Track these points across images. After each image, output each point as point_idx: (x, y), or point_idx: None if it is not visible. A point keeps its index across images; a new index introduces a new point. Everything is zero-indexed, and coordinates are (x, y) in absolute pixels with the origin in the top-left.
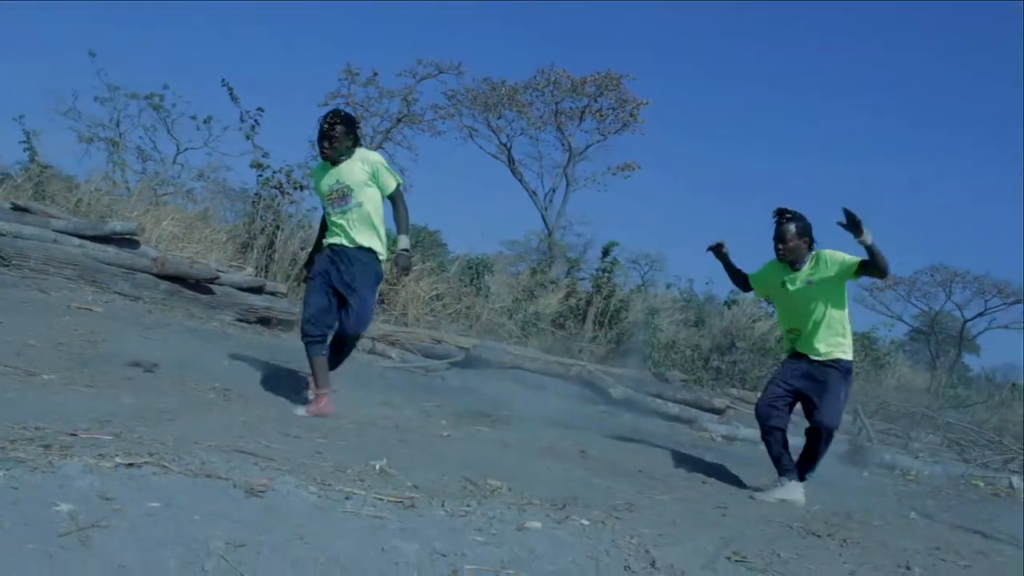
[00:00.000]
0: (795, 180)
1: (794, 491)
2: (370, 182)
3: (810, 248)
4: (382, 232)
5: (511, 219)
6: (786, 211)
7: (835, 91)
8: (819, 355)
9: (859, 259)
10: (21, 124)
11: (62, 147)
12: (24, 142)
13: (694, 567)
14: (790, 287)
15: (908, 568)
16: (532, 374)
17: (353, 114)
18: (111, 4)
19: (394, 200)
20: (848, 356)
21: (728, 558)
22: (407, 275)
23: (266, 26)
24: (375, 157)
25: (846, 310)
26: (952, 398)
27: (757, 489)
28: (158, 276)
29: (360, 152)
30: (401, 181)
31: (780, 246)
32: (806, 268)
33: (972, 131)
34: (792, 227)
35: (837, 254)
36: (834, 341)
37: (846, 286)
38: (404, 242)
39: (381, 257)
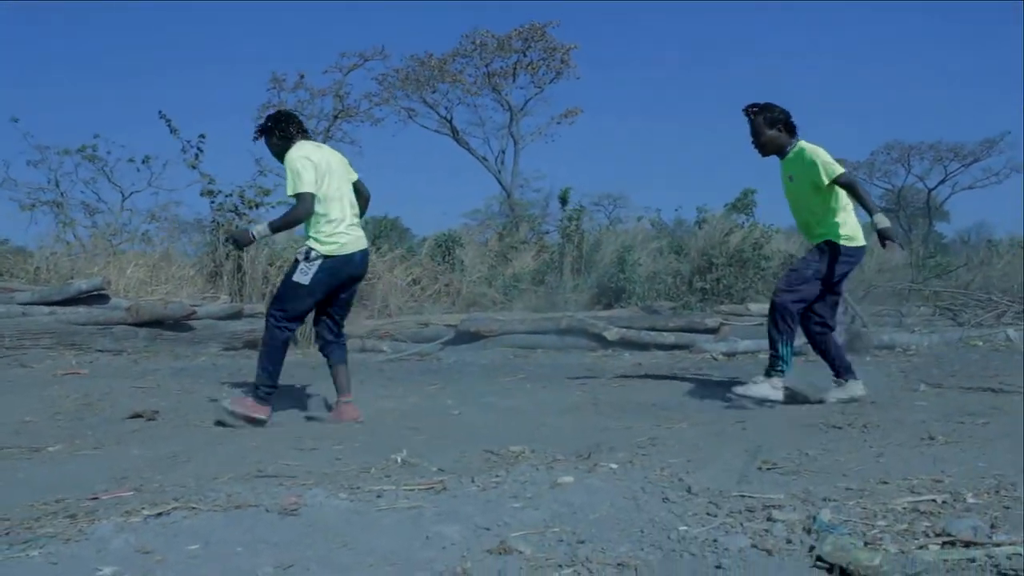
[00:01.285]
0: (739, 83)
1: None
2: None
3: (791, 135)
4: (318, 227)
5: (469, 190)
6: (752, 106)
7: None
8: (813, 240)
9: (833, 177)
10: None
11: (6, 219)
12: None
13: (729, 483)
14: (784, 181)
15: (931, 438)
16: (525, 335)
17: (273, 114)
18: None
19: None
20: (835, 237)
21: (759, 468)
22: (230, 243)
23: (184, 53)
24: (287, 155)
25: (835, 194)
26: (934, 267)
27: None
28: (135, 325)
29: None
30: (301, 189)
31: (754, 141)
32: (790, 158)
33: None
34: (760, 119)
35: (816, 158)
36: (826, 225)
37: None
38: (255, 226)
39: (313, 253)
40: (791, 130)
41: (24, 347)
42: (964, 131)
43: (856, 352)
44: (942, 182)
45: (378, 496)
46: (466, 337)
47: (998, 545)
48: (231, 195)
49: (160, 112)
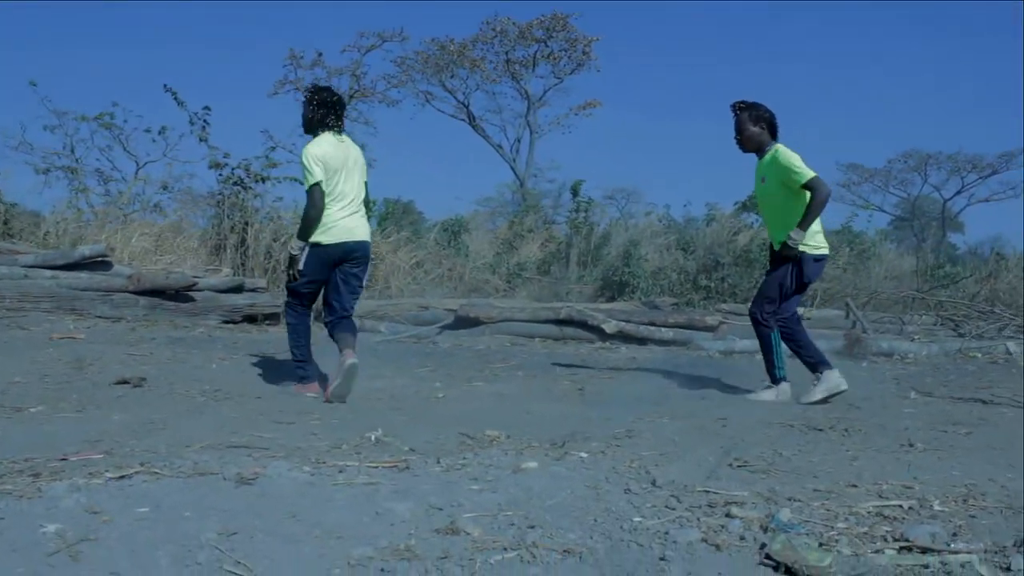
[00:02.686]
0: (759, 85)
1: (767, 393)
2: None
3: (773, 136)
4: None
5: (483, 177)
6: (740, 102)
7: None
8: (779, 246)
9: (803, 182)
10: None
11: (20, 182)
12: None
13: (696, 479)
14: (757, 181)
15: (911, 445)
16: (523, 323)
17: (311, 92)
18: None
19: None
20: (807, 249)
21: (730, 465)
22: (290, 270)
23: (203, 26)
24: (302, 152)
25: (803, 200)
26: (942, 277)
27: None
28: (136, 293)
29: None
30: (311, 182)
31: (737, 137)
32: (766, 160)
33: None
34: (745, 115)
35: (787, 162)
36: (791, 229)
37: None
38: (292, 245)
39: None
40: (773, 131)
41: (24, 310)
42: (983, 143)
43: (853, 358)
44: (958, 193)
45: (340, 471)
46: (465, 322)
47: (954, 553)
48: (237, 167)
49: (165, 85)
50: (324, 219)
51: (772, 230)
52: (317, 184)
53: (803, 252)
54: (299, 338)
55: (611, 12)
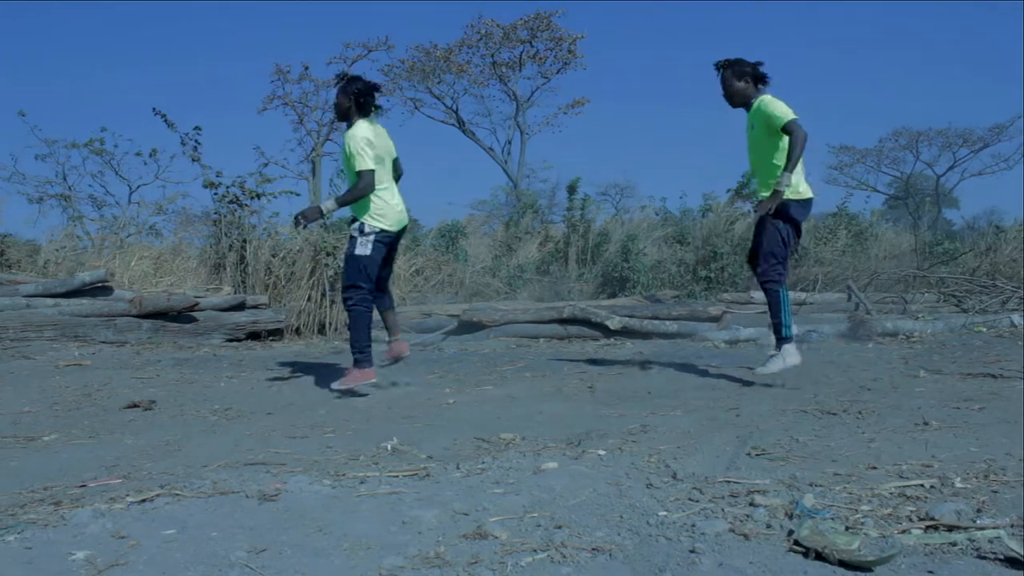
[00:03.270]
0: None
1: (773, 363)
2: (349, 159)
3: (757, 86)
4: (371, 207)
5: (476, 181)
6: (721, 61)
7: None
8: (763, 190)
9: (782, 124)
10: None
11: (15, 213)
12: None
13: (716, 470)
14: (748, 130)
15: (926, 423)
16: (527, 325)
17: (355, 76)
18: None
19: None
20: (791, 195)
21: (748, 454)
22: (301, 225)
23: (189, 46)
24: (349, 133)
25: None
26: (941, 254)
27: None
28: (138, 316)
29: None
30: (366, 167)
31: (724, 94)
32: (752, 110)
33: None
34: (728, 73)
35: (770, 109)
36: (775, 176)
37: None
38: (324, 202)
39: (367, 227)
40: (758, 81)
41: (28, 339)
42: (973, 116)
43: (859, 340)
44: (951, 168)
45: (361, 482)
46: (468, 327)
47: (981, 529)
48: (232, 185)
49: (154, 108)
50: (382, 207)
51: (759, 179)
52: (372, 171)
53: (787, 200)
54: (369, 325)
55: (594, 8)
